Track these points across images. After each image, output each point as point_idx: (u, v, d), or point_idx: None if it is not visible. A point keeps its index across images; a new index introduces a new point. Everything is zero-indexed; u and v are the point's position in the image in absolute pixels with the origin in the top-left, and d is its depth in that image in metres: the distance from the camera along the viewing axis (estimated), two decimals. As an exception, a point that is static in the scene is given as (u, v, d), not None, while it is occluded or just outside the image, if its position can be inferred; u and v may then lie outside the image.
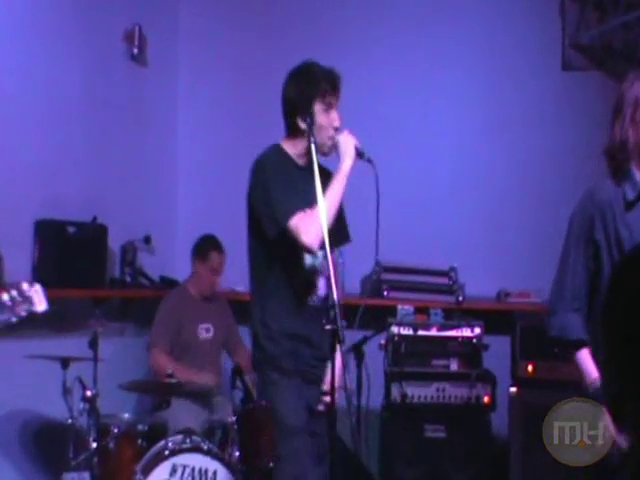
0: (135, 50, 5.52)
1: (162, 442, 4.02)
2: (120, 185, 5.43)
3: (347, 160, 3.28)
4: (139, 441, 4.13)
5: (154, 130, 5.79)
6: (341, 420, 3.17)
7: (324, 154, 3.37)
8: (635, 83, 2.94)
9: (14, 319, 3.22)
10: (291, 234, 3.23)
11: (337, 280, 3.14)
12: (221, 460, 3.97)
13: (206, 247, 5.13)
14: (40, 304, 3.30)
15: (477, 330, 4.91)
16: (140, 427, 4.19)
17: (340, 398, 3.21)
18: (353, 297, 5.41)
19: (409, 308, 5.09)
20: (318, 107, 3.33)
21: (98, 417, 4.07)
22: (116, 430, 4.08)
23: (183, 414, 4.47)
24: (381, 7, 5.85)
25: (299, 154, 3.43)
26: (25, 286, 3.23)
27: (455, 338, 4.93)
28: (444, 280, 5.38)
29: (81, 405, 4.03)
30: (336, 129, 3.34)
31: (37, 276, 4.73)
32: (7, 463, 4.62)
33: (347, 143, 3.28)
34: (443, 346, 4.93)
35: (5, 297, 3.24)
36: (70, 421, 4.05)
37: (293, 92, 3.39)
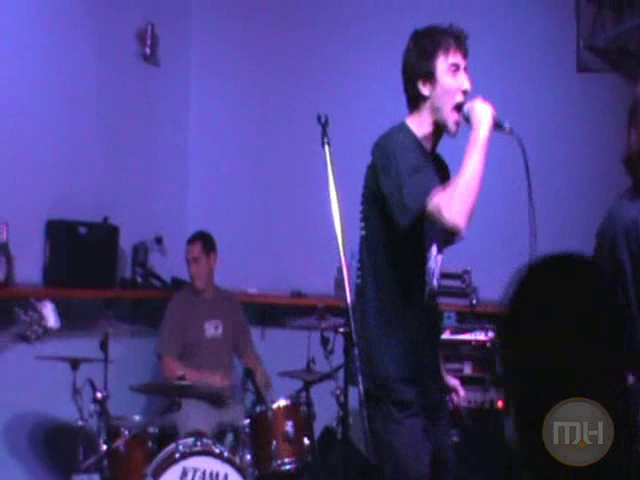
0: (147, 50, 5.50)
1: (172, 445, 4.00)
2: (131, 185, 5.41)
3: (483, 128, 2.74)
4: (149, 443, 4.12)
5: (165, 130, 5.77)
6: (355, 429, 3.13)
7: (449, 132, 2.85)
8: None
9: (33, 336, 3.30)
10: (432, 216, 2.71)
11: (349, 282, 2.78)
12: (232, 463, 3.95)
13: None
14: (50, 320, 3.37)
15: (491, 334, 4.87)
16: (150, 429, 4.17)
17: None
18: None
19: (422, 311, 5.05)
20: (441, 67, 2.80)
21: (108, 419, 4.05)
22: (126, 432, 4.06)
23: (194, 416, 4.44)
24: (394, 9, 5.80)
25: (425, 136, 2.88)
26: (36, 303, 3.30)
27: (469, 342, 4.89)
28: (457, 283, 5.34)
29: (91, 407, 4.00)
30: (465, 93, 2.82)
31: (48, 276, 4.71)
32: (17, 465, 4.60)
33: (482, 109, 2.76)
34: (456, 350, 4.89)
35: (23, 315, 3.33)
36: (80, 423, 4.02)
37: (412, 54, 2.86)
